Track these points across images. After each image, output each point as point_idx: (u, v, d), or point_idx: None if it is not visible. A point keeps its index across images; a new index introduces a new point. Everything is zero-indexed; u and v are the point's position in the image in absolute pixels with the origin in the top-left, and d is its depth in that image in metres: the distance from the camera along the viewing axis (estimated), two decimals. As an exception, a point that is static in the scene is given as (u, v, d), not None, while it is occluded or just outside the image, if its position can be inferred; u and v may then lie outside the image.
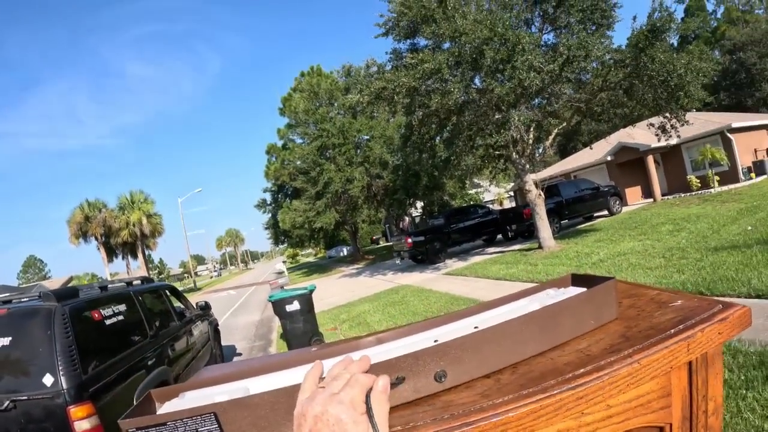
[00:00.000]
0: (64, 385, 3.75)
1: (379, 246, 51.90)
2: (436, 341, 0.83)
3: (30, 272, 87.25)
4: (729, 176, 21.06)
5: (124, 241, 42.10)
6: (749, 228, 10.51)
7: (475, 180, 30.93)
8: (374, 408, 0.68)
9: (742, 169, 21.20)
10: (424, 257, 20.66)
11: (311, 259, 74.68)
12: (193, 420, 0.82)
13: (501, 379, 0.84)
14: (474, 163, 17.17)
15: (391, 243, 33.46)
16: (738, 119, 22.77)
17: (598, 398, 0.76)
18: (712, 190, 20.04)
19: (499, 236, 22.82)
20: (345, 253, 49.81)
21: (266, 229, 45.28)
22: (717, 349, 0.90)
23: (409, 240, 20.41)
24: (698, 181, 21.45)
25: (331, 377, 0.74)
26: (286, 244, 50.06)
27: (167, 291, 7.28)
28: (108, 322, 4.80)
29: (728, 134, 21.30)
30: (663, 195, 22.97)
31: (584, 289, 1.00)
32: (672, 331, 0.87)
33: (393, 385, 0.79)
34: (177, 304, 7.74)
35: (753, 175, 20.94)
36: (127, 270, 45.08)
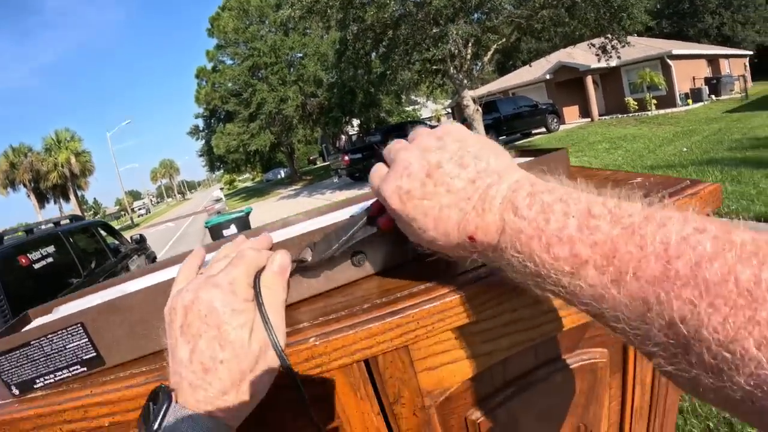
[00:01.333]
0: None
1: (316, 166, 51.34)
2: (352, 216, 0.65)
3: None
4: (666, 101, 21.59)
5: (54, 184, 40.19)
6: (684, 149, 10.84)
7: (413, 97, 30.62)
8: (265, 293, 0.52)
9: (680, 95, 21.77)
10: (361, 174, 20.45)
11: (249, 183, 73.42)
12: (59, 335, 0.64)
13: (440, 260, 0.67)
14: (411, 78, 16.84)
15: (328, 162, 33.20)
16: (679, 47, 23.25)
17: None
18: (649, 113, 20.53)
19: (436, 151, 22.62)
20: (283, 176, 49.20)
21: (201, 156, 44.20)
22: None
23: (346, 158, 20.21)
24: (636, 103, 21.89)
25: (214, 261, 0.57)
26: (222, 171, 49.17)
27: (99, 228, 6.95)
28: (37, 266, 4.56)
29: (668, 60, 21.69)
30: (600, 115, 23.42)
31: (531, 158, 0.84)
32: (637, 205, 0.73)
33: (298, 268, 0.63)
34: (111, 240, 7.41)
35: (690, 101, 21.54)
36: (60, 214, 42.84)
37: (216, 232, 8.64)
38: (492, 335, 0.65)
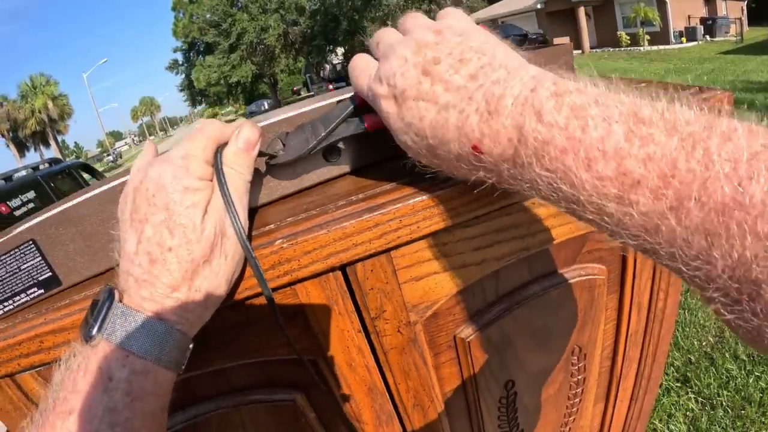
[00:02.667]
0: None
1: (300, 96, 50.50)
2: (339, 102, 0.55)
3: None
4: (660, 37, 21.17)
5: (33, 131, 39.26)
6: None
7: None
8: (227, 172, 0.45)
9: (674, 32, 21.32)
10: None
11: (232, 117, 72.19)
12: (12, 255, 0.57)
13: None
14: (397, 3, 16.39)
15: (312, 92, 32.70)
16: (676, -17, 22.55)
17: None
18: (641, 48, 20.19)
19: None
20: (266, 107, 48.48)
21: (181, 91, 43.46)
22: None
23: (331, 87, 19.97)
24: (628, 38, 21.47)
25: (173, 141, 0.48)
26: (204, 105, 48.34)
27: (80, 169, 6.79)
28: (18, 213, 4.51)
29: None
30: (592, 48, 23.03)
31: (530, 51, 0.74)
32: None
33: (267, 165, 0.55)
34: (93, 181, 7.26)
35: (684, 39, 21.12)
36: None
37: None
38: (484, 242, 0.57)
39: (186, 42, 33.19)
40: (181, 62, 37.04)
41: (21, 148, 41.27)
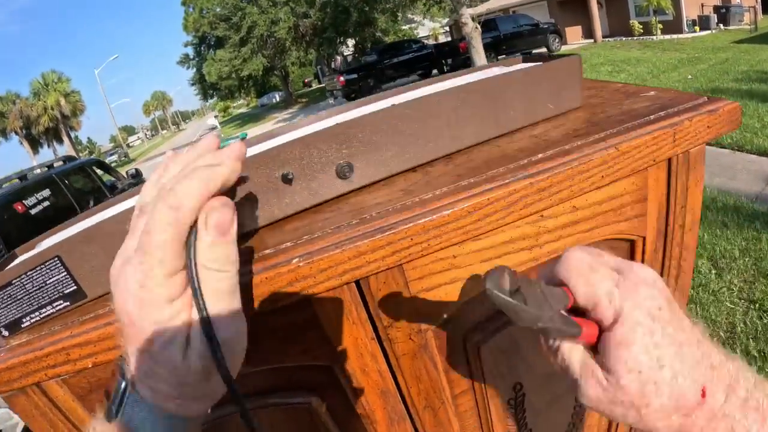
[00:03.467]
0: None
1: (312, 89, 50.30)
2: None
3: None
4: (672, 26, 20.82)
5: (46, 128, 39.47)
6: (689, 77, 10.54)
7: (409, 15, 29.83)
8: (205, 276, 0.38)
9: (687, 21, 20.95)
10: (357, 95, 19.88)
11: (244, 110, 72.10)
12: (38, 271, 0.60)
13: (430, 172, 0.61)
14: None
15: (323, 84, 32.65)
16: (690, -29, 22.16)
17: (564, 193, 0.56)
18: (654, 37, 19.86)
19: (435, 71, 22.04)
20: (278, 100, 48.37)
21: (193, 85, 43.49)
22: (700, 150, 0.71)
23: (342, 78, 19.87)
24: (641, 26, 21.14)
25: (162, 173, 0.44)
26: (215, 98, 48.47)
27: (94, 167, 6.84)
28: (34, 211, 4.54)
29: None
30: (604, 37, 22.73)
31: (540, 63, 0.76)
32: (652, 117, 0.66)
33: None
34: (108, 178, 7.32)
35: (697, 28, 20.72)
36: (55, 157, 42.26)
37: (213, 158, 8.61)
38: (493, 254, 0.59)
39: (196, 36, 33.12)
40: (192, 56, 37.06)
41: (34, 145, 41.62)
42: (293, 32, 26.23)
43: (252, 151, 0.60)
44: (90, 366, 0.59)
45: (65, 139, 41.99)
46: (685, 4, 21.19)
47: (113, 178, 7.61)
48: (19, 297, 0.62)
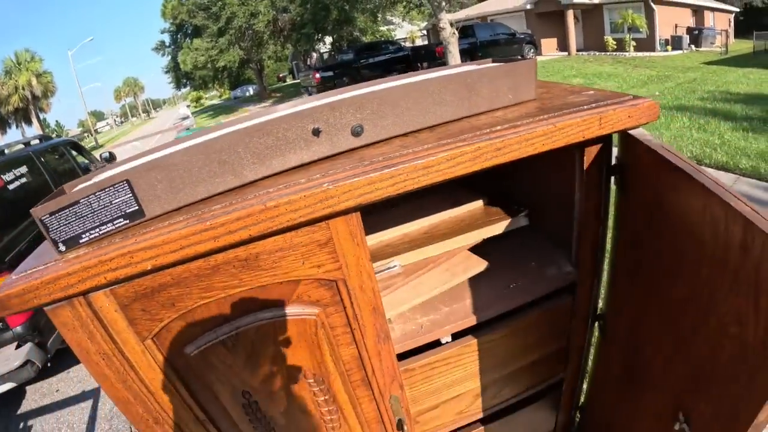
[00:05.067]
0: None
1: (286, 84, 49.87)
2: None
3: None
4: (646, 44, 21.42)
5: (16, 108, 38.21)
6: (657, 93, 10.88)
7: (388, 16, 29.95)
8: None
9: (660, 40, 21.57)
10: (331, 92, 20.01)
11: (216, 101, 70.98)
12: (106, 192, 0.76)
13: (419, 136, 0.83)
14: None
15: (298, 80, 32.54)
16: (666, -8, 22.84)
17: (514, 154, 0.78)
18: (626, 53, 20.45)
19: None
20: (251, 93, 47.77)
21: (167, 72, 42.58)
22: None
23: (317, 75, 19.90)
24: (615, 43, 21.71)
25: None
26: (188, 88, 47.68)
27: (69, 147, 6.83)
28: (11, 186, 4.54)
29: (652, 4, 21.37)
30: (578, 51, 23.28)
31: (504, 63, 0.99)
32: (585, 106, 0.89)
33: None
34: (81, 159, 7.31)
35: (669, 48, 21.38)
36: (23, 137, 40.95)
37: (186, 148, 8.61)
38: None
39: (174, 24, 32.64)
40: (168, 44, 36.45)
41: (2, 124, 40.44)
42: (272, 26, 26.15)
43: (289, 110, 0.81)
44: (149, 268, 0.75)
45: (34, 120, 40.81)
46: (660, 24, 21.81)
47: (87, 160, 7.59)
48: (83, 215, 0.78)
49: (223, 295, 0.84)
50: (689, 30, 22.90)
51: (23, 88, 37.99)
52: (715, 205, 0.69)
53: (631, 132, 0.93)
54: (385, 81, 1.06)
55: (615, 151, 1.01)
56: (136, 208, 0.79)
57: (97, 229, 0.79)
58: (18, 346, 3.83)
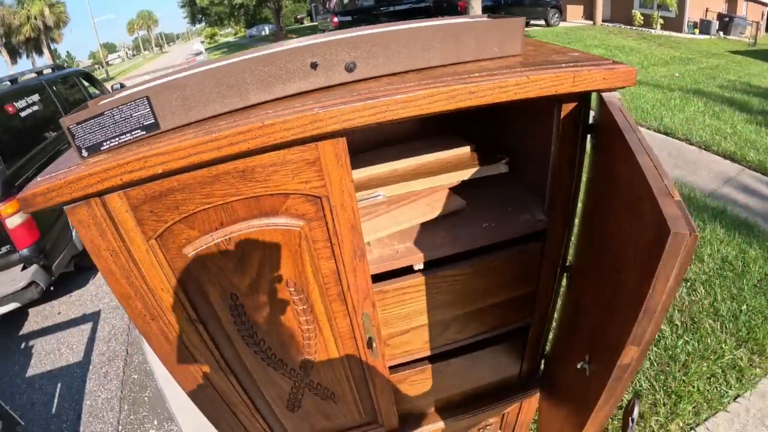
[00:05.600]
0: None
1: (303, 26, 48.86)
2: None
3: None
4: (673, 24, 20.85)
5: (27, 38, 37.60)
6: (677, 75, 10.71)
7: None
8: None
9: (689, 22, 21.05)
10: (349, 38, 19.66)
11: (231, 38, 70.01)
12: (128, 106, 0.87)
13: (405, 77, 0.93)
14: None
15: (316, 23, 31.96)
16: (703, -26, 22.13)
17: (487, 98, 0.88)
18: (652, 30, 19.94)
19: (429, 26, 21.84)
20: (267, 32, 46.89)
21: (182, 7, 41.87)
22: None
23: (335, 19, 19.56)
24: (642, 18, 21.15)
25: None
26: (203, 24, 46.91)
27: (81, 77, 6.88)
28: (23, 114, 4.62)
29: None
30: (604, 21, 22.76)
31: (493, 19, 1.08)
32: (563, 65, 0.97)
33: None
34: (92, 90, 7.36)
35: (697, 31, 20.81)
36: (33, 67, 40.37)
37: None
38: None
39: (193, -44, 32.14)
40: (185, -24, 35.95)
41: (13, 54, 40.04)
42: (293, -36, 25.56)
43: (293, 44, 0.91)
44: (160, 172, 0.87)
45: (45, 51, 40.34)
46: (690, 5, 21.24)
47: (98, 91, 7.65)
48: (105, 125, 0.89)
49: (221, 202, 0.95)
50: (720, 16, 22.25)
51: (35, 18, 37.41)
52: (635, 173, 0.78)
53: (603, 94, 1.01)
54: (383, 26, 1.15)
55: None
56: (153, 121, 0.90)
57: (117, 138, 0.91)
58: (24, 268, 4.01)
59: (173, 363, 1.21)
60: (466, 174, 1.40)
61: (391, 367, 1.44)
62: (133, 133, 0.91)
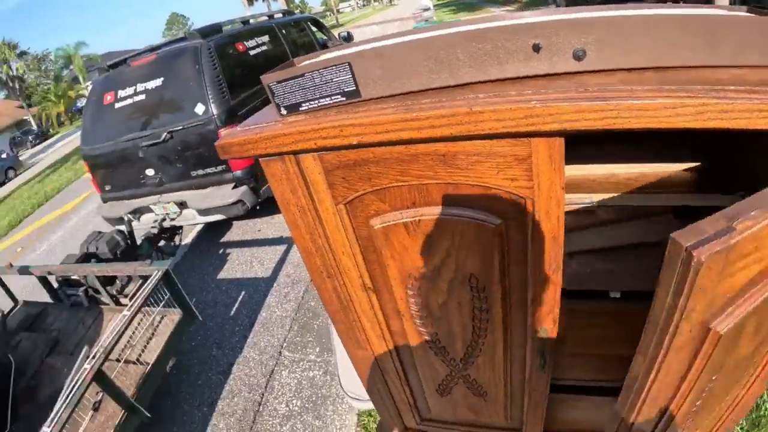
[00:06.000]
0: (215, 111, 4.25)
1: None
2: None
3: (174, 29, 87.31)
4: None
5: None
6: None
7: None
8: None
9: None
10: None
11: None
12: (329, 70, 0.88)
13: (644, 75, 0.78)
14: None
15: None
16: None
17: (744, 119, 0.70)
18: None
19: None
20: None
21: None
22: None
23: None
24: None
25: None
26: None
27: (309, 23, 7.38)
28: (252, 53, 5.13)
29: None
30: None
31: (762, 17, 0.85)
32: None
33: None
34: (320, 35, 7.85)
35: None
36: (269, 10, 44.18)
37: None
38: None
39: None
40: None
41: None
42: None
43: (514, 20, 0.81)
44: (354, 142, 0.86)
45: (280, -4, 43.88)
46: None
47: (325, 37, 8.15)
48: (306, 86, 0.91)
49: (416, 182, 0.94)
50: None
51: (271, -38, 40.53)
52: None
53: None
54: (618, 8, 0.97)
55: None
56: (354, 88, 0.90)
57: (317, 101, 0.93)
58: (234, 187, 4.48)
59: (340, 320, 1.26)
60: (688, 200, 1.20)
61: (553, 386, 1.33)
62: (333, 97, 0.92)
